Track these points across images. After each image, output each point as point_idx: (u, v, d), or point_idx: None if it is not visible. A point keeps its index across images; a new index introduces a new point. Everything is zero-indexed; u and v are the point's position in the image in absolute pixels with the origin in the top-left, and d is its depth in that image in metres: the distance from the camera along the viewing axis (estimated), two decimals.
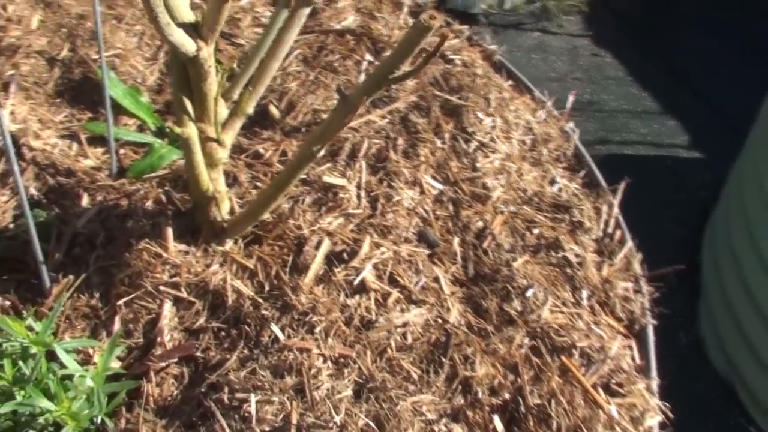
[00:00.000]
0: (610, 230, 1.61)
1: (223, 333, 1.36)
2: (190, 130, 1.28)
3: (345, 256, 1.45)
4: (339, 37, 1.96)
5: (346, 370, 1.29)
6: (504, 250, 1.51)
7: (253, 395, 1.22)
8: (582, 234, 1.57)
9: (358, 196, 1.56)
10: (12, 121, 1.67)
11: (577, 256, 1.51)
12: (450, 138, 1.70)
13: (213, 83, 1.24)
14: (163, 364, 1.33)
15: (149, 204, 1.52)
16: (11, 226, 1.56)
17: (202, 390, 1.28)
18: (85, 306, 1.41)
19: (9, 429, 1.23)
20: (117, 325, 1.38)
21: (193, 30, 1.15)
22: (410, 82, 1.83)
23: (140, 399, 1.29)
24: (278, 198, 1.39)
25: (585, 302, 1.45)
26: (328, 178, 1.56)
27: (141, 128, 1.79)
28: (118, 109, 1.76)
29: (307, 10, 1.27)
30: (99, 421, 1.24)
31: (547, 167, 1.71)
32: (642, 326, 1.46)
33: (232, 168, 1.62)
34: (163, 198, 1.52)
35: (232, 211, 1.48)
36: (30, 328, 1.24)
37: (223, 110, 1.33)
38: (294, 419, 1.20)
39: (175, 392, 1.31)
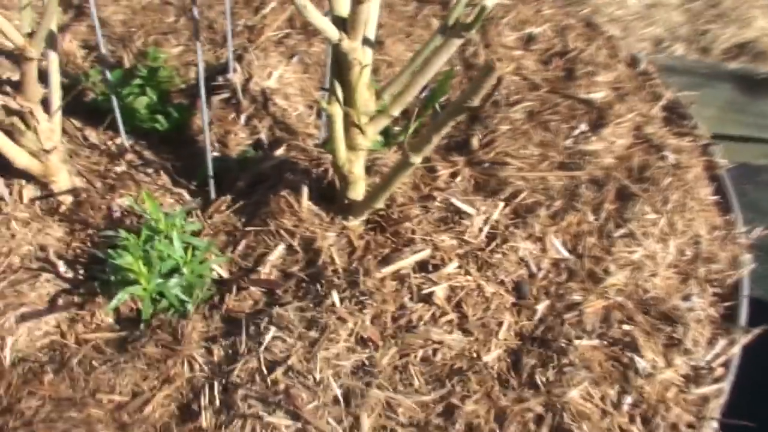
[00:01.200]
0: (714, 365, 1.48)
1: (303, 284, 1.59)
2: (334, 109, 1.52)
3: (431, 267, 1.58)
4: (575, 103, 2.04)
5: (362, 351, 1.43)
6: (581, 328, 1.50)
7: (274, 330, 1.43)
8: (674, 352, 1.48)
9: (480, 230, 1.66)
10: (277, 80, 2.08)
11: (651, 366, 1.44)
12: (604, 218, 1.70)
13: (357, 76, 1.47)
14: (252, 288, 1.60)
15: (317, 170, 1.80)
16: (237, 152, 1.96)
17: (263, 317, 1.52)
18: (231, 225, 1.74)
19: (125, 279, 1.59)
20: (241, 247, 1.68)
21: (342, 22, 1.39)
22: (608, 159, 1.86)
23: (220, 305, 1.58)
24: (386, 191, 1.57)
25: (624, 407, 1.39)
26: (458, 203, 1.68)
27: None
28: None
29: (458, 41, 1.43)
30: (188, 303, 1.56)
31: (692, 284, 1.62)
32: None
33: None
34: (330, 169, 1.79)
35: (362, 196, 1.69)
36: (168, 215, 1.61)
37: (371, 105, 1.55)
38: (290, 360, 1.39)
39: (247, 309, 1.57)
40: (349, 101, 1.53)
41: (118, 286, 1.57)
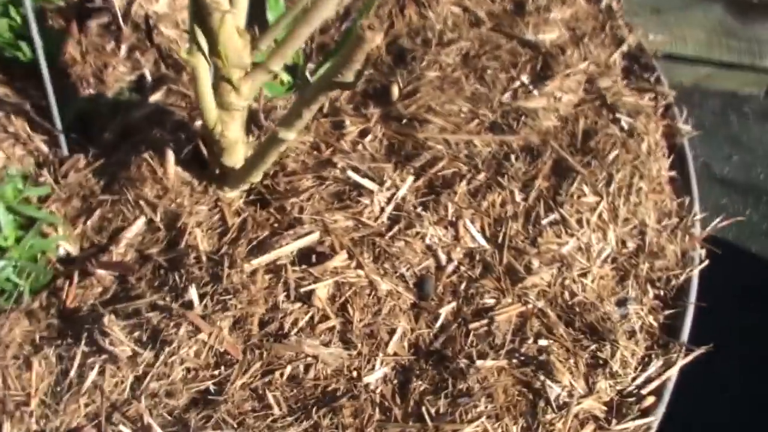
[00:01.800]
0: (644, 392, 1.23)
1: (161, 271, 1.31)
2: (197, 60, 1.21)
3: (316, 257, 1.30)
4: (520, 47, 1.72)
5: (213, 370, 1.17)
6: (488, 342, 1.24)
7: (103, 358, 1.16)
8: (598, 376, 1.22)
9: (382, 210, 1.38)
10: (167, 4, 1.74)
11: (567, 394, 1.19)
12: (534, 198, 1.42)
13: (219, 22, 1.15)
14: (100, 271, 1.32)
15: (195, 124, 1.49)
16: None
17: (106, 310, 1.24)
18: (88, 189, 1.44)
19: None
20: (95, 218, 1.39)
21: None
22: (549, 121, 1.56)
23: (58, 293, 1.31)
24: (261, 165, 1.28)
25: None
26: (356, 178, 1.39)
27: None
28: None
29: None
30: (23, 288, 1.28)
31: (630, 286, 1.35)
32: None
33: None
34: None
35: (237, 164, 1.39)
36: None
37: (245, 57, 1.23)
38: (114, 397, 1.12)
39: (94, 303, 1.29)
40: (215, 50, 1.21)
41: None
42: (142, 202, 1.37)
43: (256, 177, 1.35)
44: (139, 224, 1.37)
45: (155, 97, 1.56)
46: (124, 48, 1.69)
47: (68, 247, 1.37)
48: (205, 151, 1.39)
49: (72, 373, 1.16)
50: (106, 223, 1.39)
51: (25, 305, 1.28)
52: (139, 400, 1.13)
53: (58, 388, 1.16)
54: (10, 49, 1.69)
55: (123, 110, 1.57)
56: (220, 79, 1.26)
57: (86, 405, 1.14)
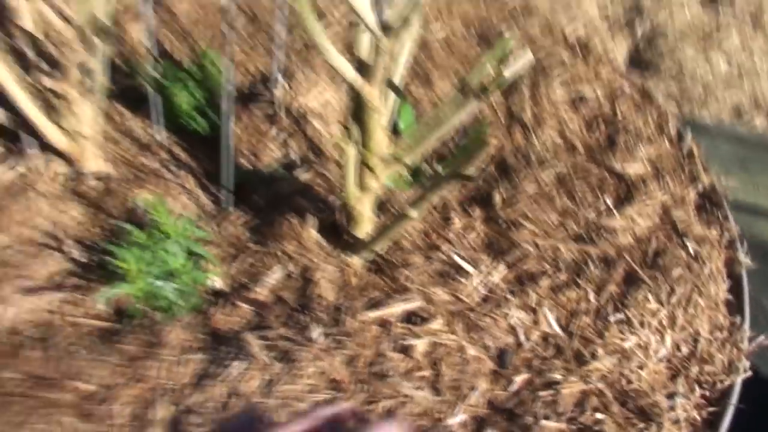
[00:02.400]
0: None
1: (292, 312, 1.61)
2: (349, 149, 1.54)
3: (419, 320, 1.58)
4: (607, 174, 2.01)
5: (326, 391, 1.45)
6: (553, 408, 1.48)
7: (245, 362, 1.46)
8: None
9: (476, 290, 1.66)
10: (319, 102, 2.11)
11: None
12: (605, 299, 1.68)
13: (374, 121, 1.49)
14: (242, 305, 1.64)
15: (332, 199, 1.82)
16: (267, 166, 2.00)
17: (234, 336, 1.55)
18: (239, 239, 1.78)
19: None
20: (243, 263, 1.72)
21: (365, 68, 1.41)
22: (626, 239, 1.83)
23: (210, 315, 1.62)
24: (385, 237, 1.59)
25: None
26: (458, 260, 1.68)
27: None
28: (399, 134, 2.09)
29: (475, 102, 1.43)
30: (181, 309, 1.61)
31: (680, 385, 1.58)
32: None
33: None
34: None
35: (369, 235, 1.70)
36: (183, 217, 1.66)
37: (383, 150, 1.56)
38: (249, 391, 1.42)
39: (236, 328, 1.60)
40: (365, 143, 1.55)
41: (118, 278, 1.62)
42: (283, 255, 1.69)
43: (379, 247, 1.66)
44: (278, 272, 1.69)
45: (302, 176, 1.91)
46: (279, 133, 2.06)
47: (219, 282, 1.70)
48: (342, 222, 1.71)
49: (215, 369, 1.46)
50: (252, 268, 1.71)
51: (181, 320, 1.59)
52: (268, 397, 1.41)
53: (203, 381, 1.46)
54: (190, 121, 2.07)
55: (274, 182, 1.92)
56: (363, 165, 1.59)
57: (223, 391, 1.43)
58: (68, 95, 1.71)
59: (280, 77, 2.10)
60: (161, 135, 2.01)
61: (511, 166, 2.05)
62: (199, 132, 2.08)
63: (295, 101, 2.08)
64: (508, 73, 1.33)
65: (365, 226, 1.69)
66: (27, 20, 1.65)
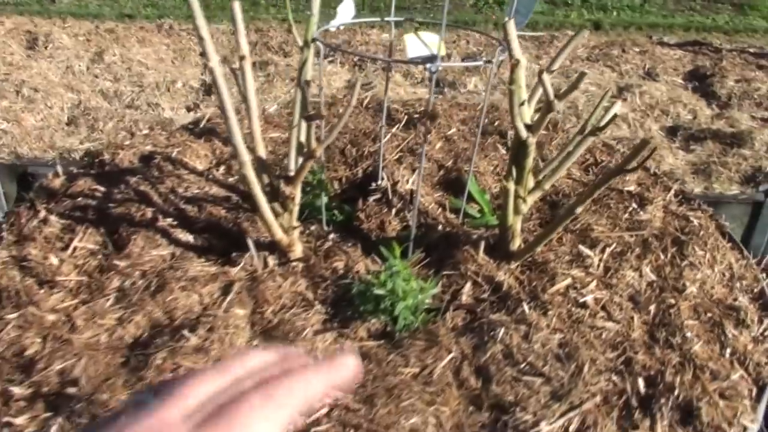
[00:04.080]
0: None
1: (495, 303, 2.34)
2: (510, 185, 2.35)
3: (578, 288, 2.38)
4: (618, 193, 2.96)
5: (557, 336, 2.19)
6: (682, 316, 2.32)
7: (501, 328, 2.18)
8: (731, 328, 2.31)
9: (598, 265, 2.49)
10: (412, 185, 2.89)
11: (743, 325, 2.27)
12: (671, 256, 2.57)
13: (530, 161, 2.32)
14: (457, 309, 2.34)
15: (474, 235, 2.59)
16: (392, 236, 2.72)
17: (476, 324, 2.25)
18: (424, 274, 2.49)
19: (374, 309, 2.29)
20: (437, 288, 2.43)
21: (529, 126, 2.25)
22: (657, 223, 2.76)
23: (442, 320, 2.30)
24: (547, 238, 2.39)
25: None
26: (582, 249, 2.52)
27: (480, 211, 2.91)
28: (471, 199, 2.90)
29: (592, 138, 2.31)
30: (415, 323, 2.27)
31: (736, 291, 2.49)
32: None
33: (532, 225, 2.65)
34: (483, 234, 2.59)
35: (519, 246, 2.49)
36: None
37: (530, 182, 2.39)
38: (513, 344, 2.13)
39: (461, 323, 2.29)
40: (518, 179, 2.37)
41: (367, 311, 2.27)
42: (468, 273, 2.43)
43: (532, 252, 2.45)
44: (469, 285, 2.41)
45: (439, 228, 2.67)
46: (394, 211, 2.80)
47: (430, 300, 2.39)
48: (504, 239, 2.48)
49: (488, 336, 2.15)
50: (446, 288, 2.43)
51: (424, 330, 2.26)
52: (531, 343, 2.12)
53: (483, 347, 2.13)
54: (327, 215, 2.76)
55: (419, 239, 2.65)
56: (516, 196, 2.40)
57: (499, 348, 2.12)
58: (294, 197, 2.38)
59: (383, 173, 2.87)
60: (324, 225, 2.69)
61: (554, 200, 2.94)
62: (334, 220, 2.77)
63: (399, 187, 2.85)
64: (613, 112, 2.23)
65: (517, 241, 2.48)
66: (262, 151, 2.32)
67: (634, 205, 2.87)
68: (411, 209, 2.81)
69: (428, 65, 2.20)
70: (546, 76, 2.12)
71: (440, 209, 2.87)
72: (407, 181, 2.89)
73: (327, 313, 2.32)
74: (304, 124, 2.34)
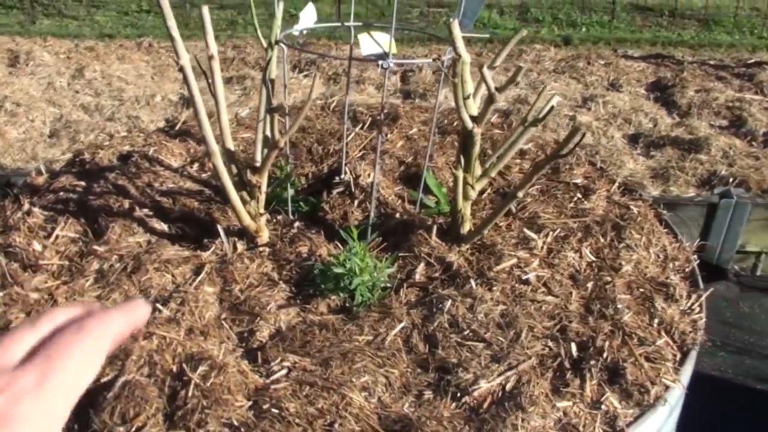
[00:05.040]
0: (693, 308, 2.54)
1: (445, 281, 2.55)
2: (459, 173, 2.57)
3: (522, 266, 2.59)
4: (566, 185, 3.18)
5: (500, 307, 2.40)
6: (617, 291, 2.53)
7: (449, 301, 2.38)
8: (666, 303, 2.53)
9: (541, 247, 2.71)
10: (370, 176, 3.11)
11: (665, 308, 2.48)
12: (610, 239, 2.79)
13: (476, 150, 2.53)
14: (410, 286, 2.54)
15: (429, 222, 2.81)
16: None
17: (427, 299, 2.45)
18: (381, 256, 2.69)
19: (333, 287, 2.49)
20: (392, 268, 2.63)
21: (474, 118, 2.47)
22: (599, 211, 2.98)
23: (396, 296, 2.50)
24: (493, 221, 2.60)
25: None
26: (528, 232, 2.74)
27: (436, 203, 3.12)
28: (428, 191, 3.12)
29: (533, 130, 2.53)
30: (372, 298, 2.48)
31: (668, 271, 2.71)
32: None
33: (485, 214, 2.86)
34: (437, 220, 2.80)
35: (469, 230, 2.70)
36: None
37: (478, 170, 2.61)
38: (461, 314, 2.34)
39: (414, 298, 2.50)
40: (467, 167, 2.58)
41: (328, 289, 2.47)
42: (422, 254, 2.64)
43: (481, 235, 2.66)
44: (422, 265, 2.62)
45: (396, 216, 2.88)
46: (356, 202, 3.01)
47: (384, 279, 2.60)
48: (454, 224, 2.69)
49: (436, 309, 2.35)
50: (401, 268, 2.63)
51: (380, 303, 2.46)
52: (474, 313, 2.33)
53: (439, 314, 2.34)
54: (294, 206, 2.97)
55: (377, 226, 2.86)
56: (464, 184, 2.61)
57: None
58: (260, 185, 2.58)
59: (346, 168, 3.08)
60: (290, 215, 2.89)
61: (506, 191, 3.16)
62: (300, 211, 2.98)
63: (361, 180, 3.06)
64: (550, 105, 2.46)
65: (467, 225, 2.69)
66: (230, 143, 2.53)
67: (579, 195, 3.10)
68: (370, 200, 3.02)
69: (380, 62, 2.42)
70: (486, 71, 2.34)
71: (399, 201, 3.09)
72: (369, 176, 3.10)
73: (291, 291, 2.52)
74: (269, 118, 2.55)
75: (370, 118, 3.61)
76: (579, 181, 3.23)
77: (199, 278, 2.47)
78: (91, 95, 6.64)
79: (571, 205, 3.04)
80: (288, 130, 2.46)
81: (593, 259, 2.71)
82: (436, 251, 2.65)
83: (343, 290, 2.50)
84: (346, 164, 3.13)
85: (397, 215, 2.91)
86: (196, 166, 3.20)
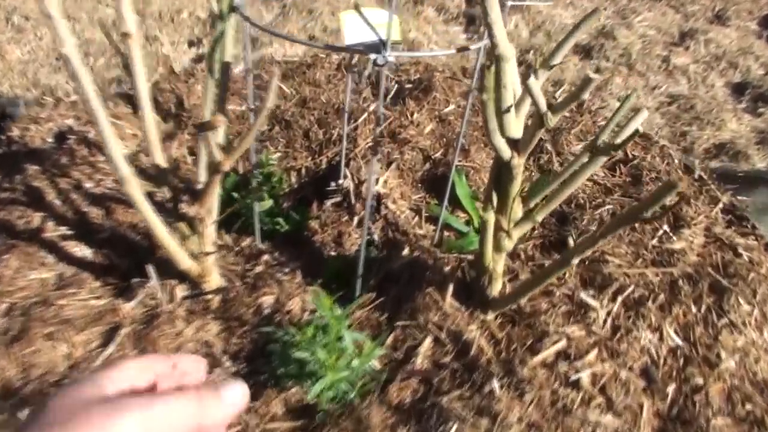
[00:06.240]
0: None
1: (458, 373, 1.76)
2: (489, 216, 1.73)
3: (573, 356, 1.78)
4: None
5: (526, 430, 1.61)
6: (711, 408, 1.71)
7: (455, 424, 1.60)
8: None
9: (605, 321, 1.88)
10: (382, 186, 2.29)
11: None
12: (705, 309, 1.94)
13: (516, 187, 1.69)
14: (408, 379, 1.76)
15: (446, 268, 1.99)
16: (352, 252, 2.14)
17: (425, 405, 1.68)
18: (374, 320, 1.91)
19: (296, 373, 1.74)
20: (389, 340, 1.85)
21: (515, 144, 1.62)
22: (693, 257, 2.11)
23: (384, 394, 1.73)
24: (533, 289, 1.78)
25: None
26: (585, 298, 1.90)
27: (467, 222, 2.30)
28: (458, 204, 2.29)
29: (603, 159, 1.67)
30: (351, 393, 1.71)
31: None
32: None
33: (518, 267, 2.04)
34: (458, 268, 1.99)
35: (501, 292, 1.89)
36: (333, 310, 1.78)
37: (518, 211, 1.77)
38: None
39: (408, 400, 1.72)
40: (501, 209, 1.74)
41: (289, 376, 1.71)
42: (430, 325, 1.84)
43: (517, 303, 1.84)
44: (428, 341, 1.83)
45: (404, 253, 2.07)
46: (356, 219, 2.21)
47: (376, 362, 1.82)
48: (475, 284, 1.88)
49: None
50: (400, 343, 1.85)
51: (360, 404, 1.70)
52: None
53: None
54: (270, 224, 2.19)
55: (376, 263, 2.06)
56: (498, 229, 1.78)
57: None
58: (201, 217, 1.80)
59: (346, 170, 2.26)
60: (258, 242, 2.11)
61: (565, 212, 2.30)
62: (278, 231, 2.20)
63: (363, 188, 2.24)
64: (635, 126, 1.59)
65: (499, 284, 1.87)
66: (161, 159, 1.74)
67: (666, 228, 2.22)
68: (379, 215, 2.21)
69: (373, 56, 1.57)
70: (534, 82, 1.48)
71: (416, 218, 2.27)
72: (377, 181, 2.28)
73: (238, 372, 1.77)
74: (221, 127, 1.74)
75: (396, 85, 2.75)
76: (668, 200, 2.34)
77: (107, 351, 1.74)
78: (113, 6, 5.85)
79: (654, 242, 2.17)
80: (233, 152, 1.66)
81: (679, 342, 1.87)
82: (450, 321, 1.85)
83: (310, 377, 1.74)
84: (347, 164, 2.31)
85: (406, 249, 2.10)
86: None
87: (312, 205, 2.25)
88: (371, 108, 2.56)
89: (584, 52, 5.13)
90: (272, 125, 2.59)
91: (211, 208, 1.81)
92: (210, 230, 1.87)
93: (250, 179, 2.25)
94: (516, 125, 1.63)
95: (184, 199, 1.80)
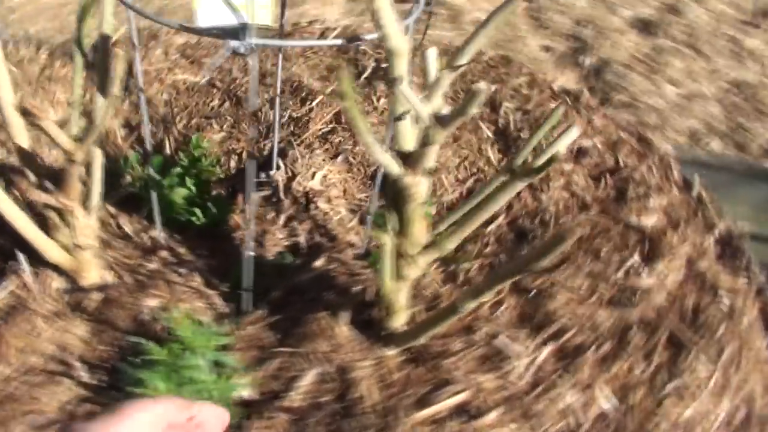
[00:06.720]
0: None
1: (337, 417, 1.50)
2: (386, 239, 1.45)
3: (472, 413, 1.49)
4: (626, 230, 1.96)
5: None
6: None
7: None
8: None
9: (526, 371, 1.58)
10: (320, 181, 2.02)
11: None
12: (655, 367, 1.61)
13: (414, 208, 1.40)
14: (277, 415, 1.52)
15: (355, 288, 1.72)
16: (273, 255, 1.89)
17: None
18: (264, 340, 1.66)
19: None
20: (272, 366, 1.60)
21: (406, 158, 1.33)
22: (660, 298, 1.77)
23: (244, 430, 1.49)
24: (433, 329, 1.49)
25: None
26: (506, 343, 1.60)
27: None
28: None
29: (522, 184, 1.36)
30: None
31: None
32: None
33: (450, 292, 1.75)
34: (369, 288, 1.72)
35: (403, 325, 1.61)
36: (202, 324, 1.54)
37: (421, 235, 1.48)
38: None
39: None
40: (402, 231, 1.46)
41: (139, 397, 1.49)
42: (317, 355, 1.58)
43: (423, 340, 1.56)
44: (313, 374, 1.57)
45: (318, 263, 1.81)
46: (283, 217, 1.96)
47: (248, 391, 1.58)
48: (375, 314, 1.61)
49: None
50: (283, 372, 1.60)
51: None
52: None
53: None
54: (186, 214, 1.96)
55: (288, 272, 1.81)
56: (399, 254, 1.50)
57: None
58: (70, 208, 1.58)
59: (279, 160, 2.00)
60: (159, 234, 1.88)
61: (527, 229, 1.99)
62: (194, 223, 1.96)
63: (296, 183, 1.98)
64: (561, 147, 1.28)
65: (400, 316, 1.59)
66: (23, 138, 1.53)
67: (637, 258, 1.88)
68: (308, 215, 1.96)
69: (232, 43, 1.30)
70: (405, 88, 1.19)
71: (353, 221, 2.00)
72: (313, 176, 2.01)
73: (89, 387, 1.57)
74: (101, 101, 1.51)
75: (374, 63, 2.46)
76: (653, 221, 2.00)
77: None
78: None
79: (619, 275, 1.84)
80: (88, 135, 1.42)
81: (609, 408, 1.56)
82: (344, 352, 1.59)
83: None
84: (283, 154, 2.05)
85: (321, 259, 1.83)
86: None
87: (237, 197, 2.00)
88: (334, 86, 2.28)
89: (644, 27, 4.67)
90: (223, 100, 2.35)
91: (77, 198, 1.59)
92: (87, 221, 1.65)
93: (177, 161, 2.02)
94: (409, 135, 1.34)
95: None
